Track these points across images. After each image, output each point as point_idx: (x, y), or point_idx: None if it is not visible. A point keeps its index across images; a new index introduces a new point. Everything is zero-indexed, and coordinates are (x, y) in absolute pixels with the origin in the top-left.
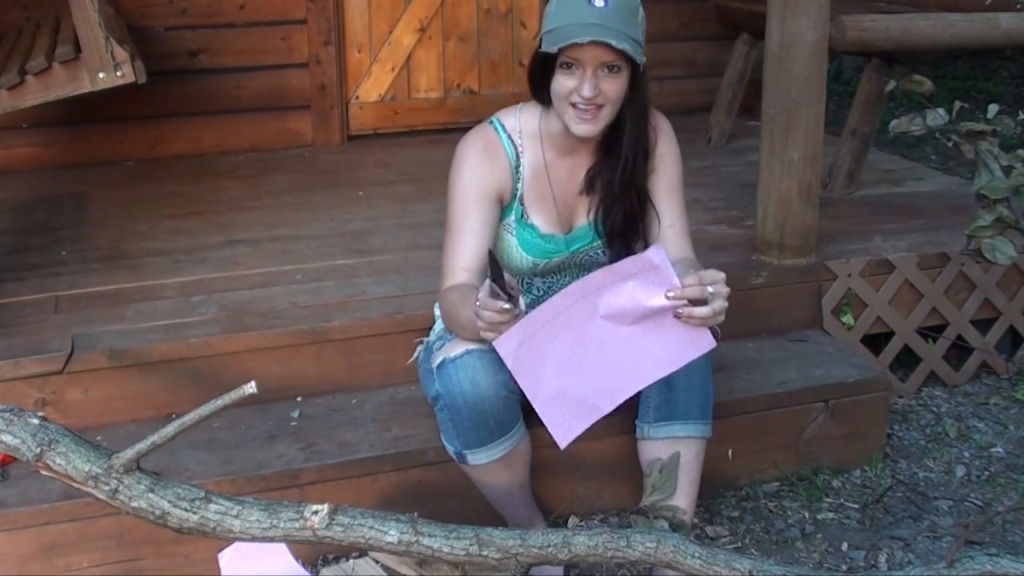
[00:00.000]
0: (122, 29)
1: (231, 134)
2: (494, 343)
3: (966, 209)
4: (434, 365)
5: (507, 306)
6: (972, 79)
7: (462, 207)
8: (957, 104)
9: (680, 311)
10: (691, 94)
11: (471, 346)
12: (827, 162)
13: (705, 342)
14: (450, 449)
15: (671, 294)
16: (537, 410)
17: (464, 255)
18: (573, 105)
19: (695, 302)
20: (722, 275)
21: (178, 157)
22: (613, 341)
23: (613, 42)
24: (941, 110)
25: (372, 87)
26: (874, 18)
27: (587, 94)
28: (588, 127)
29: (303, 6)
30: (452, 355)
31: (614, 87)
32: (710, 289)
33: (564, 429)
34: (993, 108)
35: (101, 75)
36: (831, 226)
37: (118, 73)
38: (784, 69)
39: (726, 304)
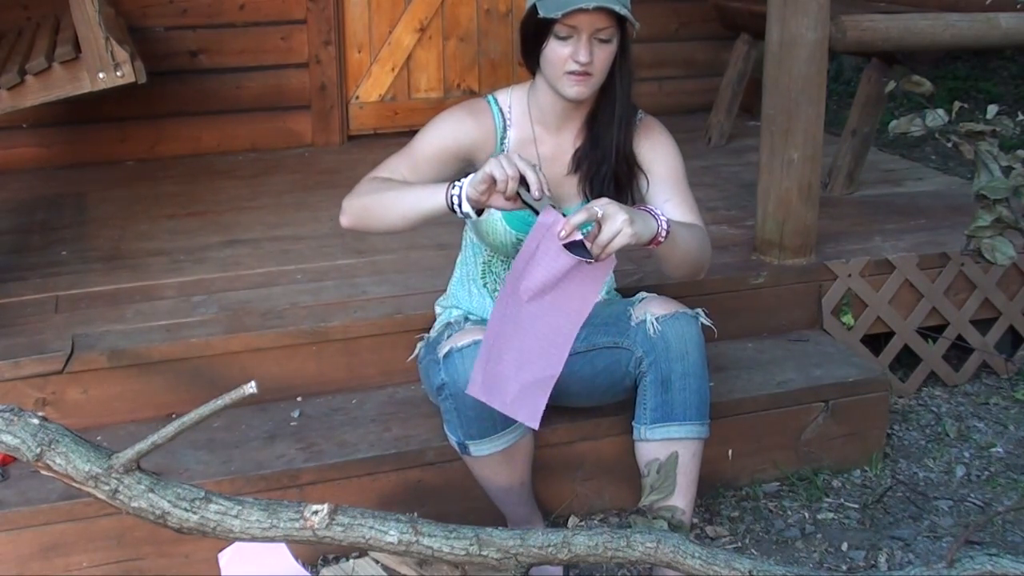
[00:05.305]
0: (122, 29)
1: (231, 134)
2: (469, 390)
3: (966, 209)
4: (440, 354)
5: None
6: (972, 79)
7: (423, 150)
8: (957, 104)
9: (590, 247)
10: (691, 94)
11: (478, 336)
12: (827, 162)
13: (602, 268)
14: (453, 440)
15: (563, 232)
16: (511, 415)
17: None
18: (568, 72)
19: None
20: (603, 199)
21: (178, 157)
22: (543, 316)
23: (616, 7)
24: (941, 110)
25: (372, 87)
26: (874, 18)
27: (583, 59)
28: (580, 89)
29: (303, 6)
30: (459, 344)
31: (605, 56)
32: (598, 211)
33: (532, 412)
34: (992, 108)
35: (101, 75)
36: (831, 226)
37: (118, 73)
38: (784, 69)
39: (624, 219)
